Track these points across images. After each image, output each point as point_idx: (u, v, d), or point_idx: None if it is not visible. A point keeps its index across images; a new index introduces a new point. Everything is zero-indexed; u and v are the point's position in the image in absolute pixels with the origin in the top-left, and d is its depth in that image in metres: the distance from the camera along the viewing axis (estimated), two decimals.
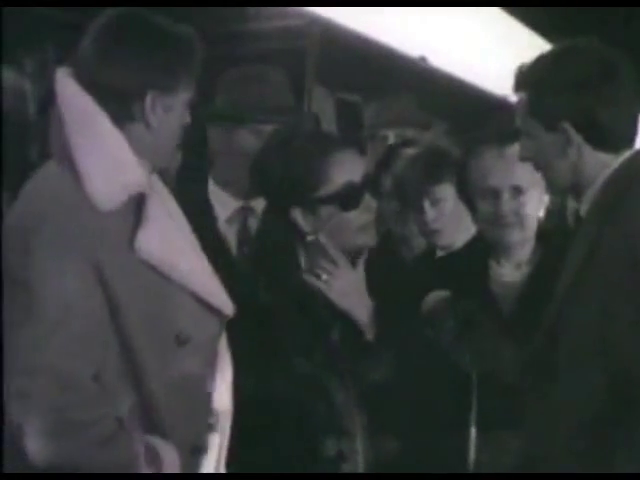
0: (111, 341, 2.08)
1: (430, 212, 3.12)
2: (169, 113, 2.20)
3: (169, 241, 2.19)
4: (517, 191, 2.73)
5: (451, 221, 3.12)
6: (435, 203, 3.13)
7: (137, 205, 2.17)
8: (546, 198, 2.78)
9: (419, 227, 3.20)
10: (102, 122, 2.13)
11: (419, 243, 3.31)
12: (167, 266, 2.15)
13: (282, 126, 2.88)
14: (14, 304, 2.01)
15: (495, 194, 2.74)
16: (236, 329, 2.33)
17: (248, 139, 2.91)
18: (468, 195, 2.86)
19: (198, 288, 2.21)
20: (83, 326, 2.02)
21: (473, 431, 2.42)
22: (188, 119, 2.27)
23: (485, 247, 2.81)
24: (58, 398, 1.98)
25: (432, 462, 2.49)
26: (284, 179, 2.52)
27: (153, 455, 2.10)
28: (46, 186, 2.14)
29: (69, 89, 2.15)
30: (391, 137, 3.93)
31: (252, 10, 4.14)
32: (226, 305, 2.27)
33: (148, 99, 2.16)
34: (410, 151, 3.34)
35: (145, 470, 2.06)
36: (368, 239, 2.56)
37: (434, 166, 3.12)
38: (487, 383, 2.43)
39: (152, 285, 2.14)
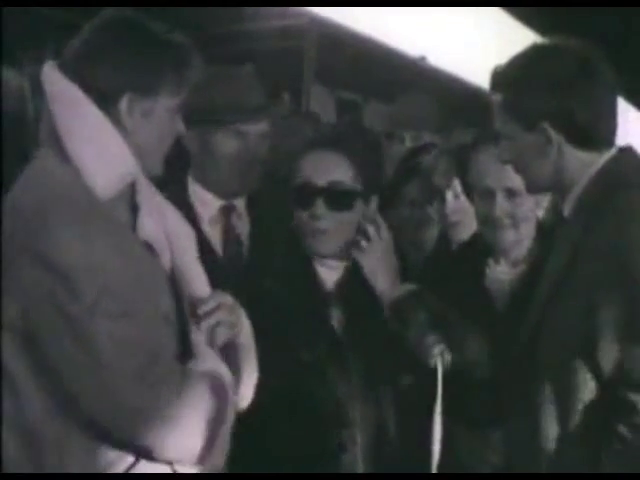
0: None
1: (451, 203, 3.14)
2: (149, 118, 2.15)
3: (159, 228, 2.22)
4: (511, 193, 2.73)
5: (471, 216, 3.06)
6: (457, 196, 3.14)
7: (130, 193, 2.20)
8: (545, 198, 2.79)
9: (440, 219, 3.22)
10: (91, 111, 2.11)
11: (428, 248, 3.33)
12: (163, 250, 2.20)
13: (256, 125, 2.90)
14: (41, 288, 1.98)
15: (490, 195, 2.75)
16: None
17: (224, 142, 2.91)
18: (469, 194, 2.90)
19: (184, 281, 2.23)
20: (123, 290, 2.03)
21: (438, 426, 2.42)
22: (181, 128, 2.23)
23: (484, 244, 2.82)
24: (131, 364, 2.00)
25: (400, 458, 2.53)
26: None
27: (217, 383, 2.11)
28: (46, 173, 2.11)
29: (54, 78, 2.12)
30: (407, 139, 3.95)
31: (249, 10, 4.19)
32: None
33: (124, 101, 2.12)
34: (427, 157, 3.36)
35: (215, 402, 2.07)
36: (319, 247, 2.56)
37: (458, 161, 3.09)
38: (454, 378, 2.44)
39: (147, 268, 2.15)
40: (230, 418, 2.14)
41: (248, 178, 2.93)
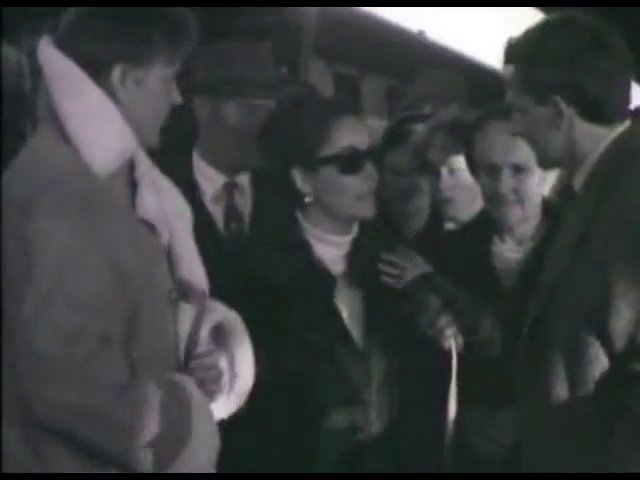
0: (118, 303, 2.07)
1: (446, 179, 3.11)
2: (142, 87, 2.16)
3: (158, 204, 2.22)
4: (517, 169, 2.73)
5: (465, 193, 3.09)
6: (452, 172, 3.12)
7: (129, 169, 2.20)
8: (552, 175, 2.80)
9: (432, 195, 3.20)
10: (88, 86, 2.12)
11: (420, 220, 3.34)
12: (162, 227, 2.20)
13: (269, 100, 2.91)
14: (14, 270, 2.01)
15: (496, 171, 2.75)
16: (246, 305, 2.36)
17: (235, 112, 2.92)
18: (474, 170, 2.87)
19: (178, 261, 2.24)
20: (85, 284, 2.02)
21: (452, 408, 2.45)
22: (177, 98, 2.23)
23: (489, 223, 2.82)
24: (65, 353, 1.97)
25: (414, 439, 2.54)
26: (289, 136, 2.56)
27: (178, 393, 2.09)
28: (42, 153, 2.13)
29: (50, 54, 2.13)
30: (427, 111, 3.88)
31: None
32: (202, 284, 2.28)
33: (117, 71, 2.13)
34: (420, 127, 3.35)
35: (172, 411, 2.05)
36: (365, 209, 2.56)
37: (455, 136, 3.09)
38: (467, 359, 2.46)
39: (148, 244, 2.17)
40: (199, 420, 2.11)
41: (252, 152, 2.90)
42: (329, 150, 2.54)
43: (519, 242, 2.81)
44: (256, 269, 2.53)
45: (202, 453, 2.12)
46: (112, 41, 2.12)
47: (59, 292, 1.99)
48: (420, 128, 3.34)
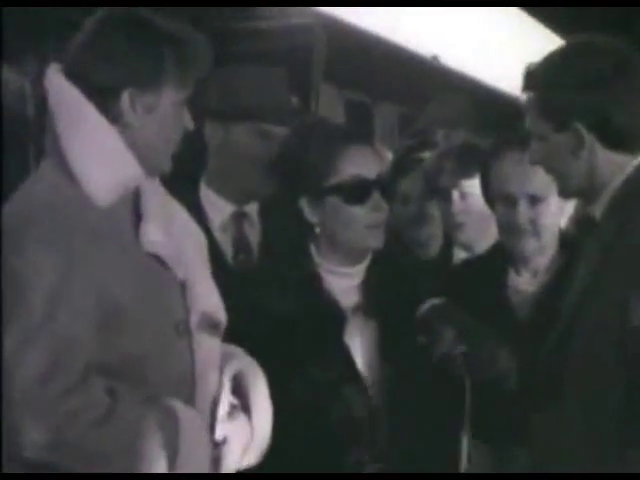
0: (108, 336, 2.07)
1: (457, 204, 3.12)
2: (153, 114, 2.15)
3: (168, 236, 2.20)
4: (534, 200, 2.72)
5: (476, 219, 3.11)
6: (463, 197, 3.13)
7: (134, 199, 2.19)
8: (569, 206, 2.77)
9: (443, 219, 3.21)
10: (92, 115, 2.11)
11: (433, 248, 3.33)
12: (171, 258, 2.18)
13: (281, 127, 2.89)
14: (3, 302, 2.02)
15: (512, 201, 2.74)
16: (249, 337, 2.36)
17: (246, 138, 2.91)
18: (490, 200, 2.86)
19: (196, 292, 2.22)
20: (69, 321, 2.02)
21: (465, 441, 2.42)
22: (189, 123, 2.23)
23: (504, 255, 2.81)
24: (43, 389, 1.98)
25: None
26: (297, 165, 2.57)
27: (166, 416, 2.08)
28: (40, 185, 2.14)
29: (57, 83, 2.13)
30: (439, 137, 3.85)
31: (257, 8, 4.16)
32: (221, 315, 2.28)
33: (125, 96, 2.12)
34: (429, 154, 3.35)
35: (158, 435, 2.05)
36: (374, 240, 2.55)
37: (467, 160, 3.11)
38: (483, 392, 2.44)
39: (152, 278, 2.16)
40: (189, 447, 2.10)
41: (262, 181, 2.90)
42: (335, 179, 2.54)
43: (534, 274, 2.79)
44: (263, 303, 2.53)
45: (193, 467, 2.11)
46: (120, 65, 2.12)
47: (41, 329, 2.00)
48: (428, 155, 3.35)
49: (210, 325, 2.23)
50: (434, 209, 3.28)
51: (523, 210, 2.73)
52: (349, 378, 2.51)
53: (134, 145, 2.14)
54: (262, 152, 2.88)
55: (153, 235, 2.17)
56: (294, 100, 3.18)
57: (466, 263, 3.08)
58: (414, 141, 3.72)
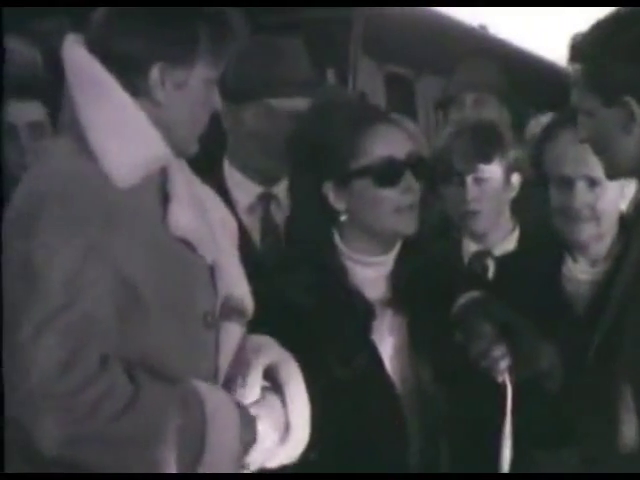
0: (128, 328, 2.05)
1: (472, 189, 3.06)
2: (182, 90, 2.12)
3: (198, 219, 2.17)
4: (592, 182, 2.65)
5: (491, 208, 3.07)
6: (479, 182, 3.07)
7: (161, 180, 2.15)
8: (631, 188, 2.71)
9: (455, 207, 3.13)
10: (115, 90, 2.08)
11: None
12: (200, 242, 2.14)
13: (291, 102, 2.83)
14: (15, 288, 1.98)
15: (568, 184, 2.66)
16: (267, 330, 2.30)
17: (256, 117, 2.87)
18: (543, 183, 2.77)
19: (225, 276, 2.19)
20: (85, 309, 1.98)
21: (507, 447, 2.36)
22: (218, 104, 2.21)
23: (558, 242, 2.73)
24: (62, 381, 1.94)
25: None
26: (319, 147, 2.51)
27: (190, 399, 2.05)
28: (55, 164, 2.10)
29: (77, 56, 2.10)
30: (468, 100, 3.85)
31: None
32: (248, 301, 2.24)
33: (155, 71, 2.08)
34: (450, 129, 3.24)
35: (183, 419, 2.01)
36: (406, 225, 2.49)
37: (484, 142, 3.06)
38: (525, 394, 2.37)
39: (179, 264, 2.12)
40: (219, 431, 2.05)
41: (281, 160, 2.83)
42: (362, 162, 2.47)
43: (592, 262, 2.70)
44: (284, 295, 2.47)
45: (224, 457, 2.07)
46: (151, 38, 2.09)
47: (60, 315, 1.96)
48: (448, 129, 3.26)
49: (237, 312, 2.20)
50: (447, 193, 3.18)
51: (580, 193, 2.65)
52: (375, 378, 2.46)
53: (161, 123, 2.11)
54: (273, 131, 2.84)
55: (181, 218, 2.13)
56: (330, 73, 3.08)
57: (515, 252, 3.03)
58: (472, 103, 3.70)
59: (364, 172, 2.47)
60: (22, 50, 3.40)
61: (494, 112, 3.76)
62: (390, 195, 2.46)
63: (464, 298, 2.44)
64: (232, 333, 2.20)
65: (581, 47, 2.27)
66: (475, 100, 3.84)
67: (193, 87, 2.13)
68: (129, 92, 2.09)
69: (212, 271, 2.18)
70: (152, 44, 2.08)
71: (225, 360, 2.18)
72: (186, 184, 2.20)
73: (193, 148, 2.19)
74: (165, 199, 2.14)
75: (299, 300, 2.46)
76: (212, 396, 2.08)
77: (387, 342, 2.49)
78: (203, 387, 2.08)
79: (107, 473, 1.99)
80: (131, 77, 2.08)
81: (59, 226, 1.99)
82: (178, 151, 2.17)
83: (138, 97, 2.09)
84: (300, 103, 2.85)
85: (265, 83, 2.85)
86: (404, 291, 2.52)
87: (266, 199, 2.93)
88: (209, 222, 2.21)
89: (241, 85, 2.84)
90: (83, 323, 1.97)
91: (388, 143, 2.48)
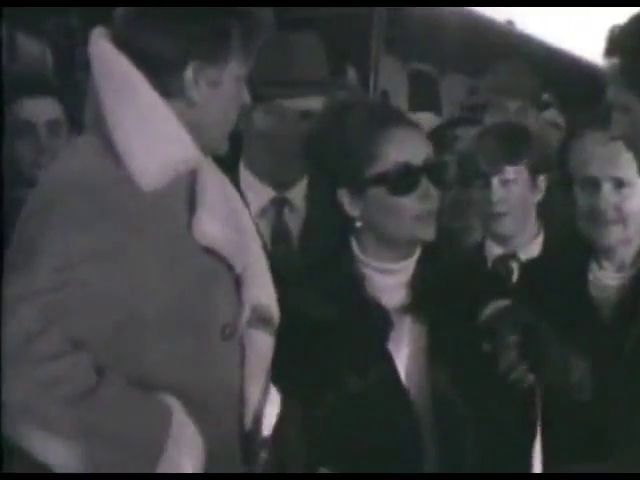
0: (122, 337, 2.04)
1: (498, 191, 3.07)
2: (217, 89, 2.12)
3: (228, 227, 2.16)
4: (619, 183, 2.62)
5: (517, 210, 3.08)
6: (505, 183, 3.08)
7: (190, 184, 2.14)
8: None
9: (481, 209, 3.14)
10: (144, 90, 2.08)
11: (471, 238, 3.27)
12: (229, 251, 2.14)
13: (303, 101, 2.80)
14: (16, 259, 2.01)
15: (594, 185, 2.64)
16: (280, 342, 2.29)
17: (262, 118, 2.85)
18: (568, 184, 2.73)
19: (253, 284, 2.19)
20: (79, 300, 1.99)
21: (537, 462, 2.32)
22: (246, 99, 2.21)
23: (584, 246, 2.70)
24: (33, 347, 1.96)
25: None
26: (333, 151, 2.47)
27: (158, 411, 2.04)
28: (75, 163, 2.10)
29: (104, 51, 2.10)
30: (511, 108, 3.81)
31: None
32: (274, 309, 2.24)
33: (189, 70, 2.08)
34: (472, 131, 3.26)
35: (142, 426, 2.01)
36: (425, 232, 2.45)
37: (511, 143, 3.06)
38: (555, 406, 2.35)
39: (201, 275, 2.11)
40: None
41: (294, 164, 2.82)
42: (377, 168, 2.44)
43: (619, 268, 2.67)
44: (298, 303, 2.42)
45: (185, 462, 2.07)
46: (184, 37, 2.09)
47: (40, 295, 1.97)
48: (468, 134, 3.29)
49: (264, 320, 2.20)
50: (469, 197, 3.20)
51: (607, 195, 2.63)
52: (390, 389, 2.43)
53: (194, 123, 2.12)
54: (284, 132, 2.81)
55: (208, 227, 2.13)
56: (350, 71, 3.02)
57: (539, 257, 3.00)
58: (456, 115, 3.75)
59: (379, 180, 2.44)
60: (31, 48, 3.42)
61: (532, 119, 3.73)
62: (407, 203, 2.44)
63: (492, 307, 2.38)
64: (260, 342, 2.19)
65: (618, 41, 2.26)
66: (518, 107, 3.78)
67: (226, 85, 2.14)
68: (160, 93, 2.08)
69: (238, 280, 2.17)
70: (185, 43, 2.08)
71: (255, 369, 2.18)
72: (217, 185, 2.20)
73: (224, 147, 2.20)
74: (192, 204, 2.13)
75: (315, 312, 2.43)
76: (180, 417, 2.05)
77: (404, 349, 2.47)
78: (175, 405, 2.06)
79: (107, 473, 1.98)
80: (164, 77, 2.08)
81: (74, 218, 1.99)
82: (209, 150, 2.18)
83: (170, 98, 2.09)
84: (313, 103, 2.82)
85: (277, 83, 2.81)
86: (425, 297, 2.48)
87: (279, 203, 2.91)
88: (240, 226, 2.21)
89: (252, 84, 2.81)
90: (63, 309, 1.97)
91: (404, 148, 2.45)
